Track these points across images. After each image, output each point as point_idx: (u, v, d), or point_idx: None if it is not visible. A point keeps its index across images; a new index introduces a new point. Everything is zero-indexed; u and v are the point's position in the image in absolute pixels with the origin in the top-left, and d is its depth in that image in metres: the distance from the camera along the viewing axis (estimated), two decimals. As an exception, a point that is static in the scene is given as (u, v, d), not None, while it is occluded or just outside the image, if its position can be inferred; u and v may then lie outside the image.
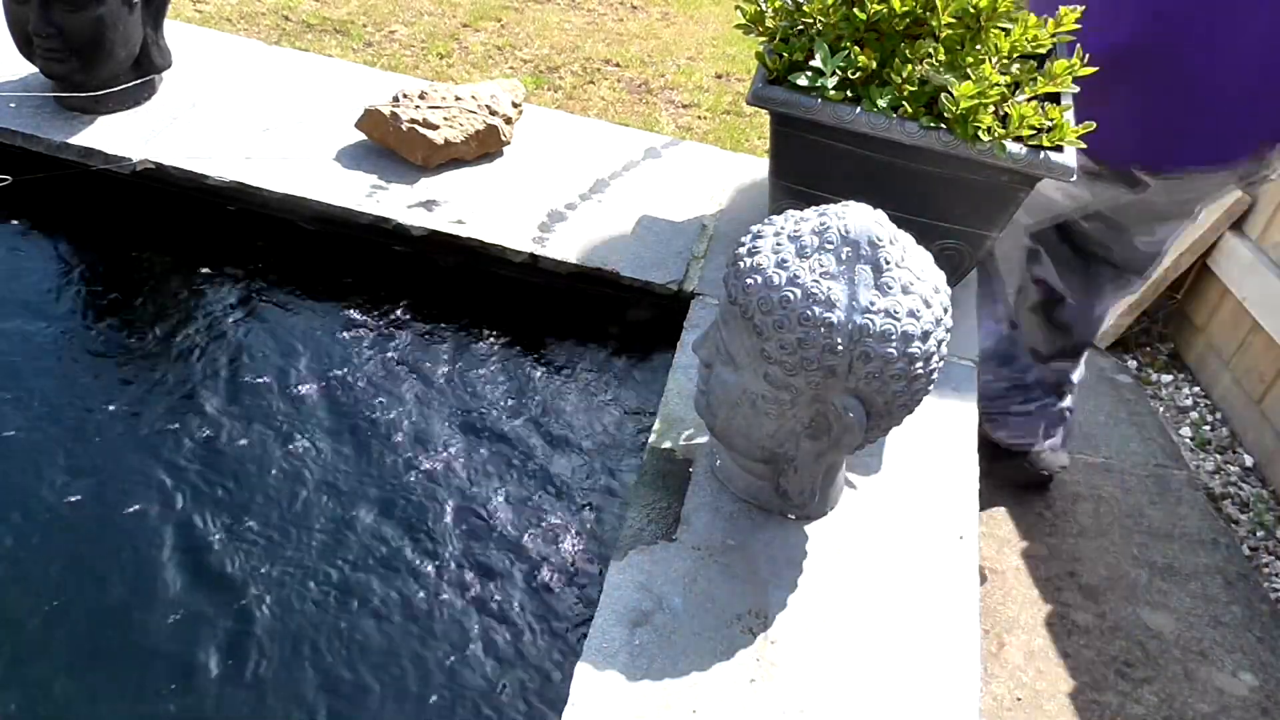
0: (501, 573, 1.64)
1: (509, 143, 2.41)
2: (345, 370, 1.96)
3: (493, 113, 2.35)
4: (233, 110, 2.38)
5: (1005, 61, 1.81)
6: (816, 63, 1.79)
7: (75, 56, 2.13)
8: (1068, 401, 2.44)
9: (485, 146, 2.36)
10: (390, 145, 2.29)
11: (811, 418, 1.39)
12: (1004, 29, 1.79)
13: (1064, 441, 2.45)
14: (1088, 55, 1.72)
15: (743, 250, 1.39)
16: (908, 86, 1.77)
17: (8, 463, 1.69)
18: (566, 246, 2.13)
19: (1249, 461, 2.58)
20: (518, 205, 2.24)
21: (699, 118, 3.79)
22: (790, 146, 1.89)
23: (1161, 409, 2.75)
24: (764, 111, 1.86)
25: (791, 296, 1.30)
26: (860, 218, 1.34)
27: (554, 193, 2.30)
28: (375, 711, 1.42)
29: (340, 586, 1.58)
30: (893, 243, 1.34)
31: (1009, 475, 2.42)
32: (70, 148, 2.18)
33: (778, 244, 1.36)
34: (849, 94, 1.79)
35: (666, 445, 1.70)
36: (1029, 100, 1.80)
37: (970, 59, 1.77)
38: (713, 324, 1.48)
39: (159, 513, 1.64)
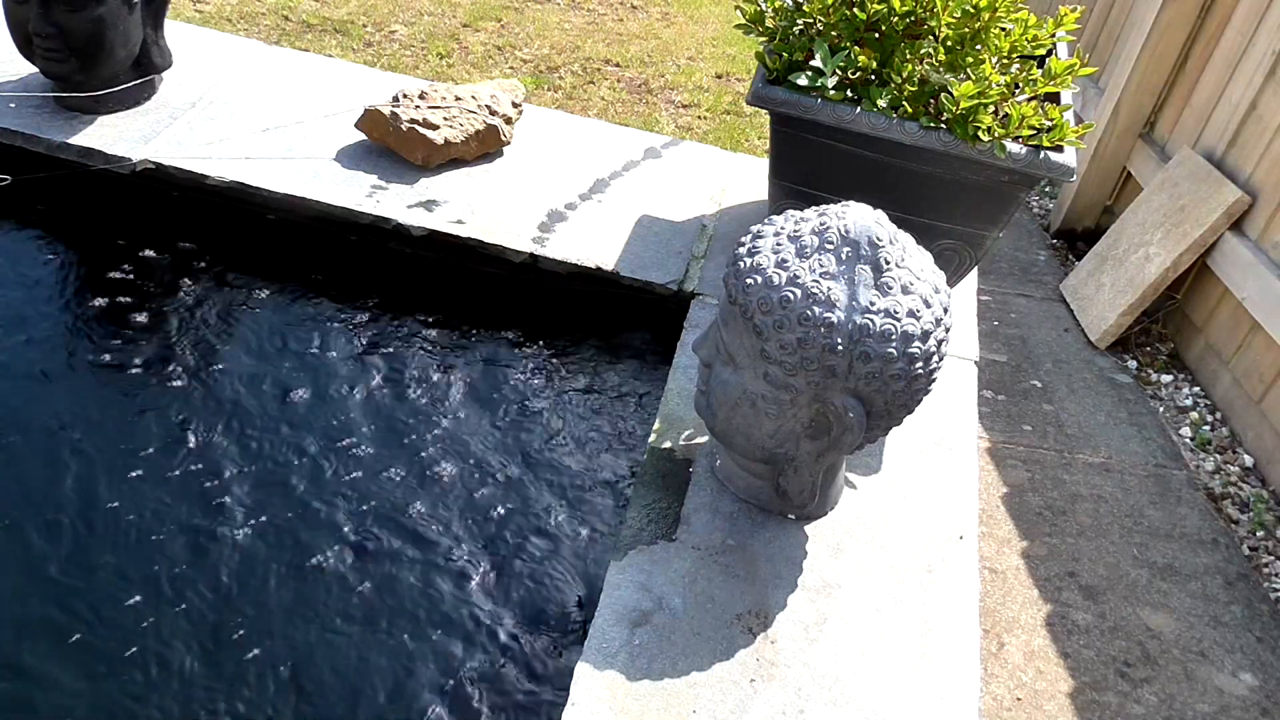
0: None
1: (509, 143, 2.41)
2: (340, 367, 1.95)
3: (493, 113, 2.35)
4: (233, 110, 2.38)
5: (1005, 61, 1.81)
6: (816, 63, 1.79)
7: (75, 56, 2.13)
8: None
9: (485, 146, 2.36)
10: (390, 145, 2.29)
11: (811, 418, 1.39)
12: (1004, 29, 1.79)
13: None
14: None
15: (743, 250, 1.39)
16: (908, 86, 1.77)
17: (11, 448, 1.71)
18: (566, 246, 2.13)
19: (1249, 461, 2.57)
20: (518, 205, 2.24)
21: (699, 118, 3.79)
22: (790, 146, 1.89)
23: (1161, 409, 2.75)
24: (764, 111, 1.86)
25: (792, 296, 1.30)
26: (860, 218, 1.34)
27: (554, 193, 2.30)
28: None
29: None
30: (893, 243, 1.34)
31: None
32: (70, 148, 2.17)
33: (778, 244, 1.36)
34: (849, 94, 1.79)
35: (666, 445, 1.70)
36: (1029, 100, 1.80)
37: (970, 59, 1.77)
38: (713, 324, 1.48)
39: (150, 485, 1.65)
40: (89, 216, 2.21)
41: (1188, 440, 2.69)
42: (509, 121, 2.39)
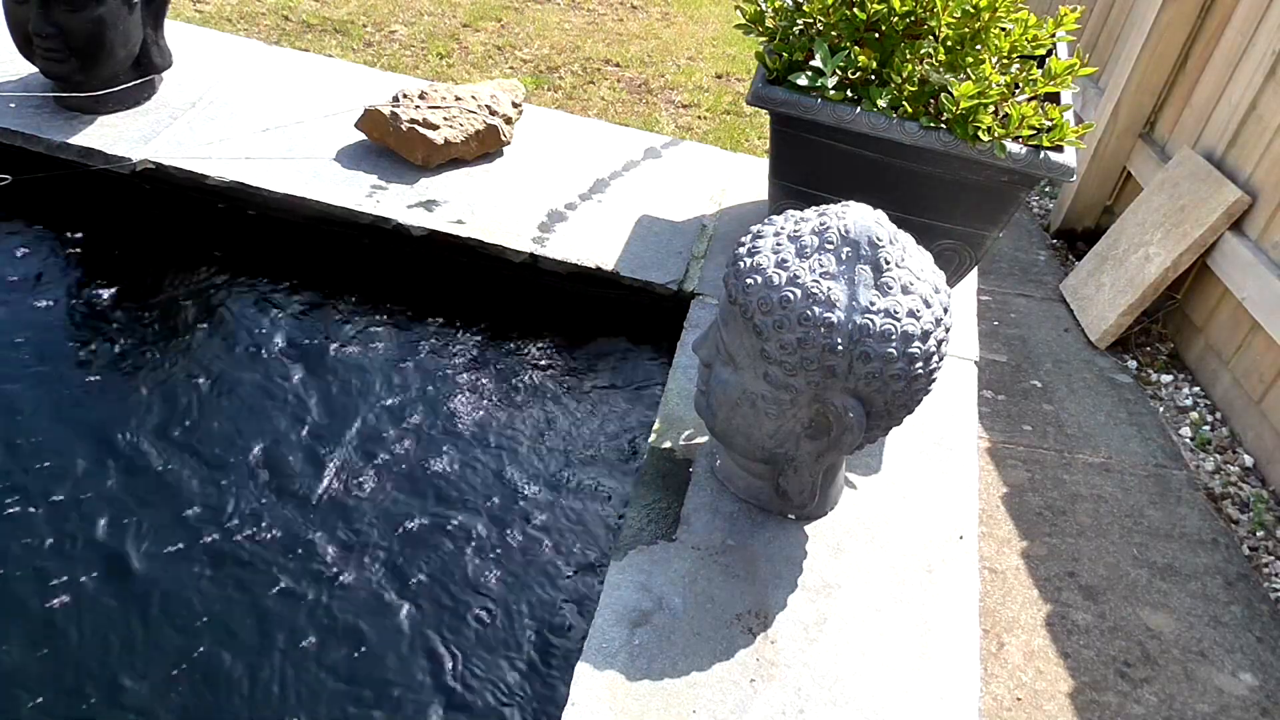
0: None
1: (509, 143, 2.42)
2: (343, 366, 1.96)
3: (493, 113, 2.35)
4: (233, 110, 2.38)
5: (1005, 61, 1.81)
6: (816, 63, 1.79)
7: (75, 56, 2.13)
8: None
9: (485, 146, 2.36)
10: (390, 145, 2.29)
11: (811, 418, 1.39)
12: (1004, 29, 1.79)
13: None
14: None
15: (743, 250, 1.39)
16: (908, 86, 1.77)
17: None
18: (566, 246, 2.13)
19: (1249, 461, 2.57)
20: (518, 205, 2.24)
21: (699, 118, 3.79)
22: (790, 146, 1.89)
23: (1161, 409, 2.75)
24: (764, 111, 1.86)
25: (792, 296, 1.30)
26: (860, 218, 1.34)
27: (554, 193, 2.30)
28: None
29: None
30: (893, 243, 1.34)
31: None
32: (70, 148, 2.17)
33: (778, 244, 1.36)
34: (849, 94, 1.79)
35: (666, 445, 1.70)
36: (1029, 100, 1.80)
37: (970, 59, 1.77)
38: (713, 324, 1.48)
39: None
40: (89, 216, 2.21)
41: (1188, 440, 2.69)
42: (509, 121, 2.39)
